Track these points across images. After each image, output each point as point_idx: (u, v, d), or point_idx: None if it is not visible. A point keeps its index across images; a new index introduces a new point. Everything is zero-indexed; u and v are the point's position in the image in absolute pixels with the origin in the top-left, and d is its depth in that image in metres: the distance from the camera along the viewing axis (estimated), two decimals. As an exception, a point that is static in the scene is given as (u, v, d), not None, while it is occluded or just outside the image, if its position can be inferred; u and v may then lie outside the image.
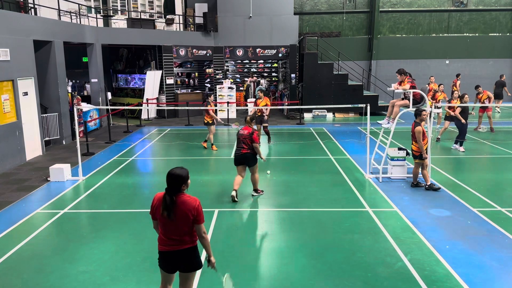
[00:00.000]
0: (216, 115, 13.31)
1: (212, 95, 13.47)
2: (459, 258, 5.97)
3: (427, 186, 9.00)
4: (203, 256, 4.49)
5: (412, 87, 9.32)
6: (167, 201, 3.98)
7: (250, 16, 20.91)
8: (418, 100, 9.43)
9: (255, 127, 8.99)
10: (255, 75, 21.97)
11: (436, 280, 5.41)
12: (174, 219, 3.99)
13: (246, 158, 8.24)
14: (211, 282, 5.42)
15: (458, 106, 12.32)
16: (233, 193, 8.29)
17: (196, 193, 8.96)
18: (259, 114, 13.33)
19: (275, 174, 10.26)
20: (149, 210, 4.22)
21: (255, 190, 8.73)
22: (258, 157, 8.39)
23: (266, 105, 13.27)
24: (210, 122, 12.86)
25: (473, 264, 5.81)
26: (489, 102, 15.17)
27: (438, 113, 15.45)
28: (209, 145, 13.15)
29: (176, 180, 4.00)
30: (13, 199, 8.71)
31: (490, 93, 15.51)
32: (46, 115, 13.34)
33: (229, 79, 21.37)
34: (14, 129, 11.27)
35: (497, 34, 24.33)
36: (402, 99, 9.71)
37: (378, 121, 10.53)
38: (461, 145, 12.46)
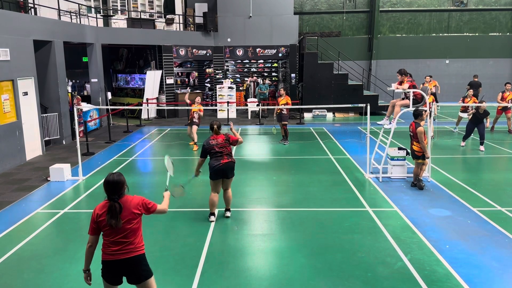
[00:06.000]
0: (195, 116, 13.05)
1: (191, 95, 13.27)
2: (459, 258, 5.97)
3: (415, 183, 9.12)
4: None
5: (412, 86, 9.33)
6: (117, 209, 3.91)
7: (250, 16, 20.90)
8: (418, 100, 9.44)
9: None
10: (255, 75, 21.97)
11: (436, 280, 5.41)
12: (121, 224, 3.93)
13: (231, 168, 7.17)
14: (211, 282, 5.42)
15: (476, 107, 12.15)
16: (212, 217, 7.36)
17: (195, 193, 9.02)
18: (278, 112, 13.52)
19: (275, 174, 10.25)
20: (90, 226, 4.10)
21: (229, 210, 7.59)
22: None
23: (287, 103, 13.44)
24: (189, 122, 13.31)
25: (473, 264, 5.80)
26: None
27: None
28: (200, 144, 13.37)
29: (117, 185, 3.99)
30: (13, 199, 8.71)
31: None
32: (46, 115, 13.34)
33: (229, 79, 21.37)
34: (14, 129, 11.27)
35: (497, 34, 24.31)
36: (403, 98, 9.72)
37: (378, 122, 10.53)
38: (481, 144, 12.54)
